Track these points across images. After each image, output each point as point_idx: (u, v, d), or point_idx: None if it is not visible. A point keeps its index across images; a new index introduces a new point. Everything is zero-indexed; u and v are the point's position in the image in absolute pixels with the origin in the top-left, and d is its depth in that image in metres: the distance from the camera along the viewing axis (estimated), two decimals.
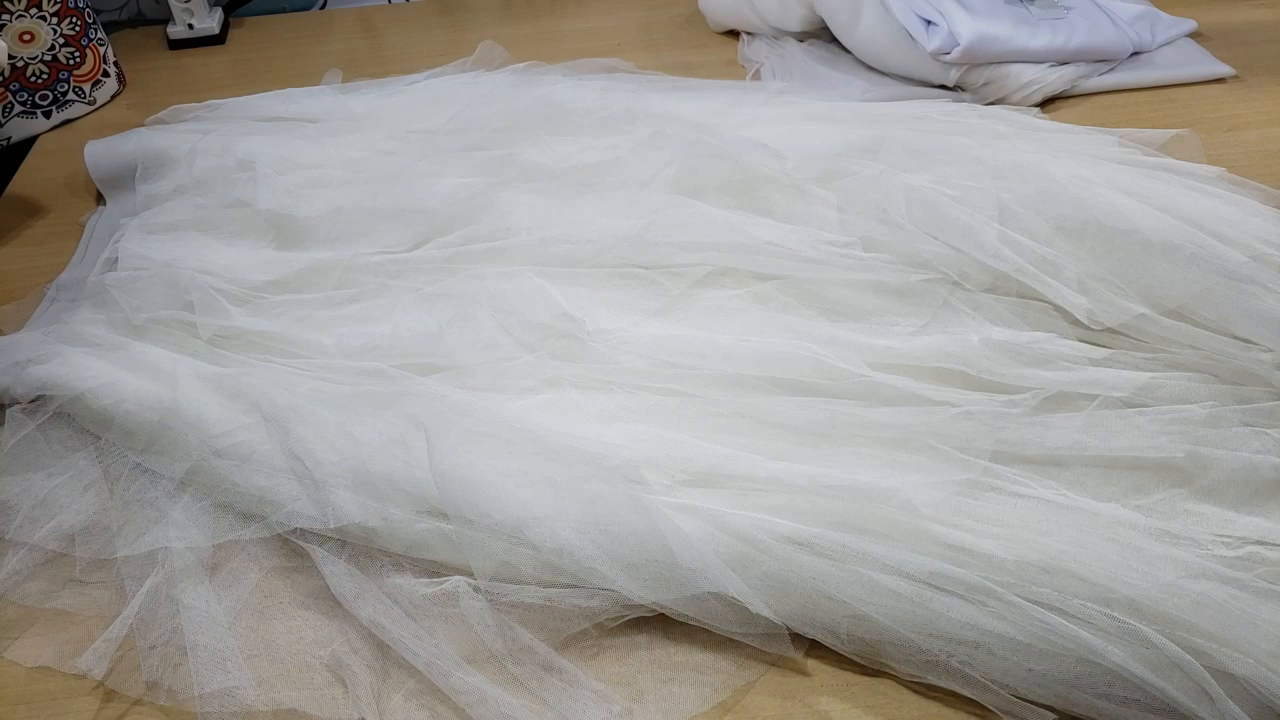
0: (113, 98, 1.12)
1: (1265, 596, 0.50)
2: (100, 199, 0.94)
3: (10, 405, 0.68)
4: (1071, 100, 0.98)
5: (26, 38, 1.02)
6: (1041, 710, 0.49)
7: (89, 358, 0.68)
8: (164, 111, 1.01)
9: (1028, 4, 1.01)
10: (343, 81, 1.07)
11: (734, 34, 1.17)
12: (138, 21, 1.30)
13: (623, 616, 0.54)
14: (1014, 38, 0.95)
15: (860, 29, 1.01)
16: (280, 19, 1.29)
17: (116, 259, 0.80)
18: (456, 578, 0.56)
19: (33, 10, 1.02)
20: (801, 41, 1.11)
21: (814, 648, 0.54)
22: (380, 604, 0.55)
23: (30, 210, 0.94)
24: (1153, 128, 0.85)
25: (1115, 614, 0.49)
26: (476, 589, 0.55)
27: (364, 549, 0.58)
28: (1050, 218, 0.70)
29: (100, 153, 0.94)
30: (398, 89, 1.01)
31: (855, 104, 0.92)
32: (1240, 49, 1.04)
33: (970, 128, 0.84)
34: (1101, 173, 0.73)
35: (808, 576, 0.52)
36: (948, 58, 0.94)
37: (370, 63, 1.16)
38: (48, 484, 0.63)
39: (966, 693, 0.50)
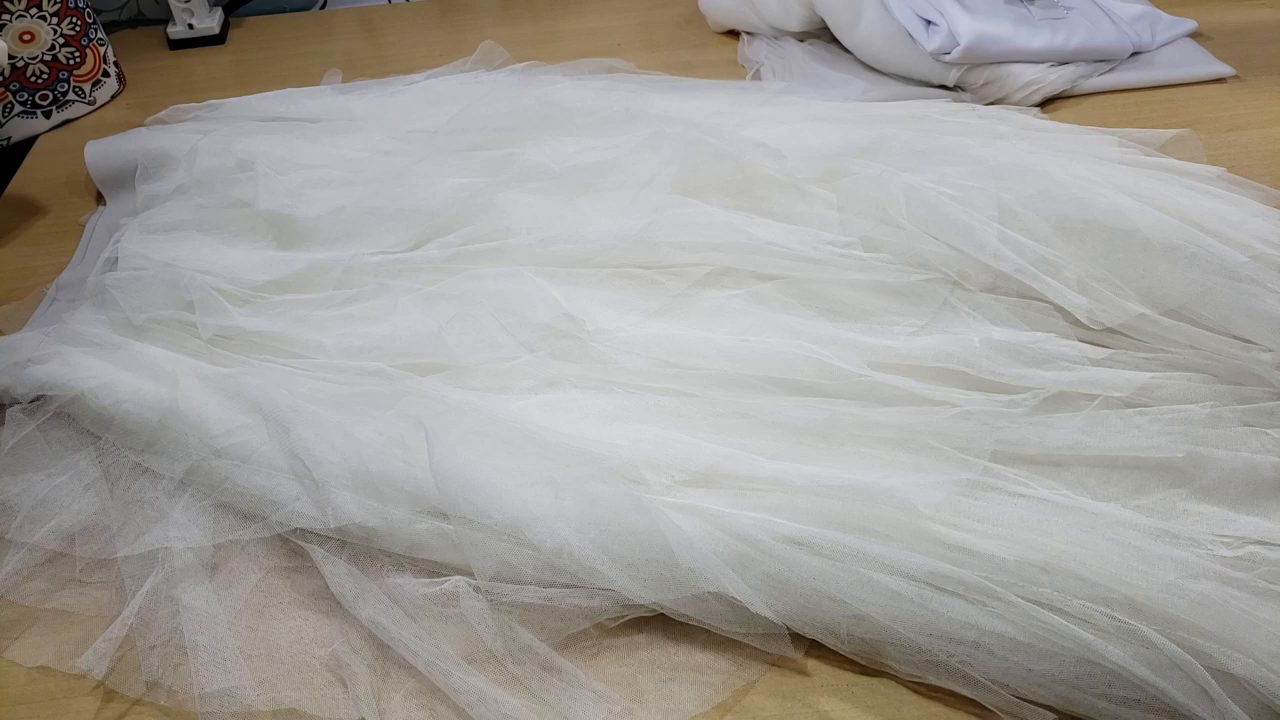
0: (113, 98, 1.12)
1: (1265, 596, 0.50)
2: (100, 199, 0.94)
3: (10, 405, 0.68)
4: (1071, 100, 0.98)
5: (26, 38, 1.02)
6: (1041, 710, 0.49)
7: (89, 358, 0.68)
8: (164, 111, 1.01)
9: (1028, 4, 1.01)
10: (343, 81, 1.07)
11: (734, 34, 1.17)
12: (138, 21, 1.30)
13: (623, 616, 0.54)
14: (1014, 38, 0.95)
15: (860, 29, 1.01)
16: (280, 19, 1.29)
17: (116, 259, 0.80)
18: (456, 578, 0.56)
19: (33, 10, 1.02)
20: (801, 41, 1.11)
21: (814, 648, 0.54)
22: (380, 604, 0.55)
23: (30, 210, 0.94)
24: (1153, 128, 0.85)
25: (1115, 614, 0.49)
26: (476, 589, 0.55)
27: (364, 549, 0.58)
28: (1050, 218, 0.70)
29: (100, 153, 0.94)
30: (398, 89, 1.01)
31: (855, 104, 0.92)
32: (1240, 49, 1.04)
33: (970, 128, 0.84)
34: (1102, 173, 0.73)
35: (807, 576, 0.52)
36: (948, 58, 0.94)
37: (370, 63, 1.16)
38: (48, 484, 0.63)
39: (966, 693, 0.50)
